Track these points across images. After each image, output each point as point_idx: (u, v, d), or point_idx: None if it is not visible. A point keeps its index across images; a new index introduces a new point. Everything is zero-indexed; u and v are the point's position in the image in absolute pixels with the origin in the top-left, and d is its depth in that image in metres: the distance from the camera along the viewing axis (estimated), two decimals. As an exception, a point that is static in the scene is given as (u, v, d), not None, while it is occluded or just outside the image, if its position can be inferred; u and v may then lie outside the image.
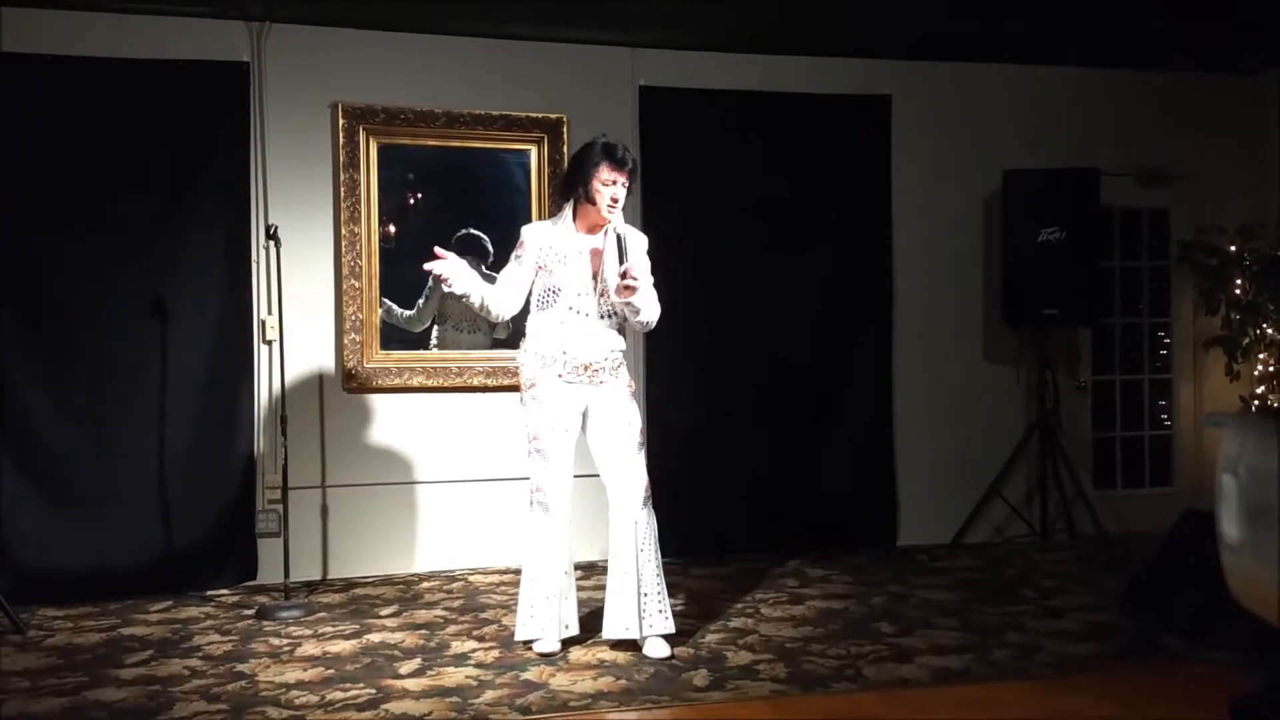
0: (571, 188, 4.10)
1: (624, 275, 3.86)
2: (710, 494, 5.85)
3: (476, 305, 4.08)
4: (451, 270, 3.95)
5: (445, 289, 3.99)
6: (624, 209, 4.07)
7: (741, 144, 5.98)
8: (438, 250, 3.97)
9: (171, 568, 5.17)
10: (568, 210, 4.13)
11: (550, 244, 4.08)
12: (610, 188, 3.99)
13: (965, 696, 3.61)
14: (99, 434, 5.15)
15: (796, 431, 6.05)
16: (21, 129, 5.07)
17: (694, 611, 4.69)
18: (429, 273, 3.97)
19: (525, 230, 4.18)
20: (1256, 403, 6.31)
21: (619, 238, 3.95)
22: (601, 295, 4.05)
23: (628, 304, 3.96)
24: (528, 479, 4.13)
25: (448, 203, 5.75)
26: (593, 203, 4.02)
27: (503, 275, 4.16)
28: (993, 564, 5.70)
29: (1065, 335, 6.45)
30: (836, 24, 5.79)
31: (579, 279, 4.04)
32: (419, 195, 5.73)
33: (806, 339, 6.07)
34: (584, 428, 4.11)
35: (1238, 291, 6.38)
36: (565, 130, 5.74)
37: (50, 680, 3.84)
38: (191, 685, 3.75)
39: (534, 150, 5.77)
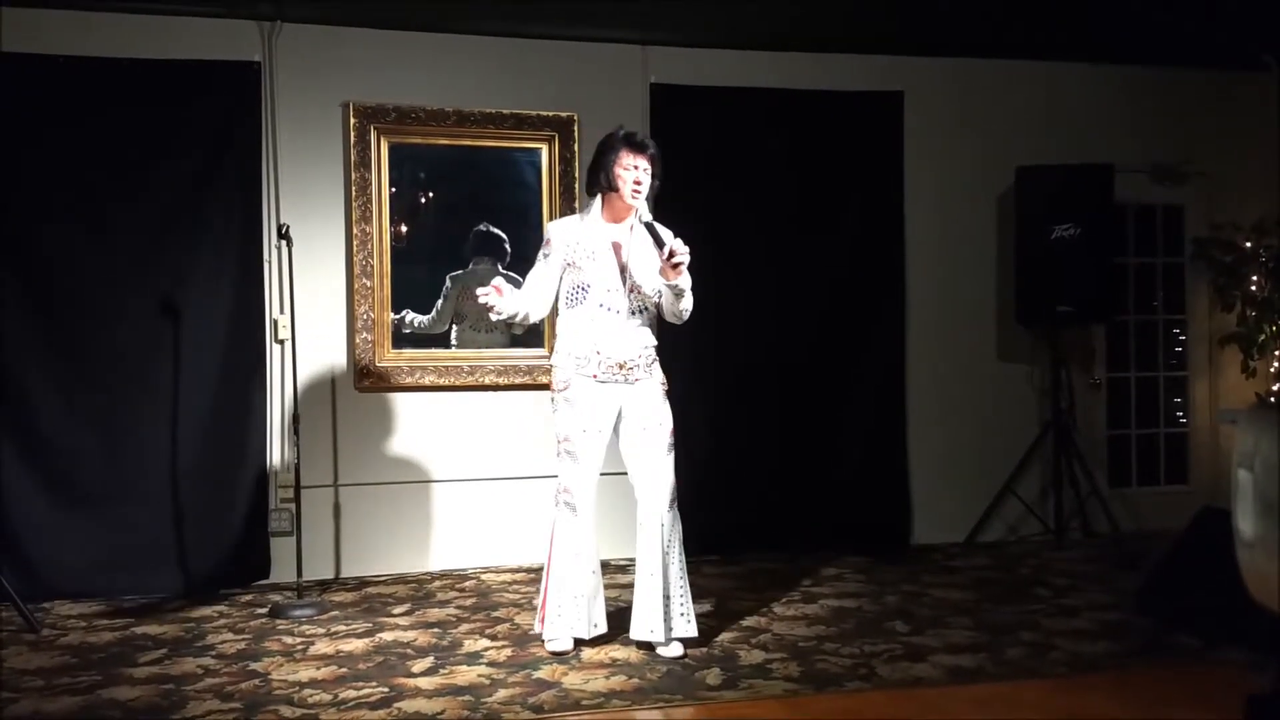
0: (595, 179, 4.08)
1: (670, 256, 3.81)
2: (723, 493, 5.83)
3: (518, 319, 4.05)
4: (500, 302, 3.91)
5: (494, 318, 3.97)
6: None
7: (753, 141, 5.96)
8: (496, 284, 3.91)
9: (184, 566, 5.18)
10: (595, 204, 4.09)
11: (577, 239, 4.04)
12: (632, 172, 3.96)
13: (979, 695, 3.60)
14: (112, 433, 5.16)
15: (809, 430, 6.03)
16: (32, 130, 5.08)
17: (707, 610, 4.68)
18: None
19: (551, 227, 4.15)
20: (1273, 400, 6.27)
21: (648, 225, 3.91)
22: (631, 291, 4.01)
23: (673, 286, 3.90)
24: (555, 477, 4.10)
25: (459, 202, 5.76)
26: (616, 190, 3.99)
27: (531, 276, 4.12)
28: (1007, 562, 5.68)
29: (1079, 332, 6.41)
30: (848, 21, 5.78)
31: (608, 274, 4.01)
32: (430, 194, 5.73)
33: (818, 337, 6.04)
34: (615, 427, 4.08)
35: (1253, 288, 6.35)
36: (576, 128, 5.74)
37: (64, 679, 3.85)
38: (205, 684, 3.76)
39: (545, 149, 5.76)
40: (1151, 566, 4.81)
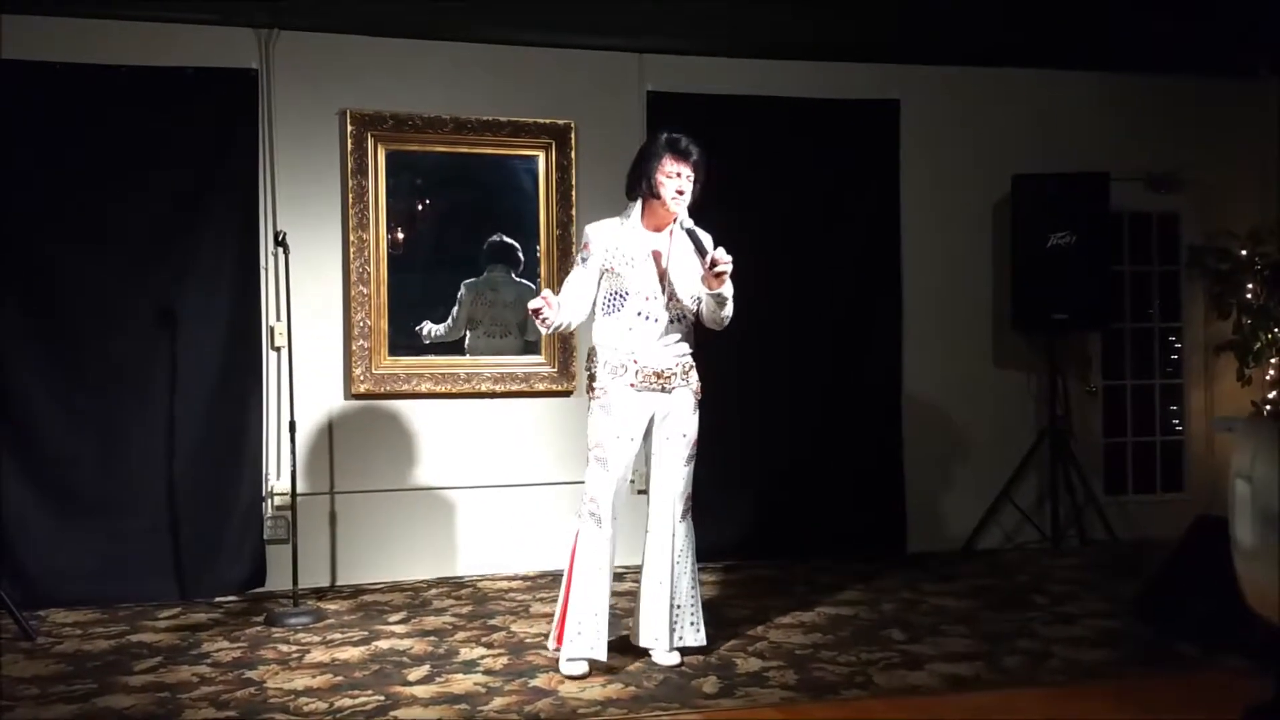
0: (635, 184, 4.00)
1: (713, 264, 3.77)
2: (719, 501, 5.79)
3: (563, 328, 4.00)
4: (551, 312, 3.84)
5: (544, 329, 3.91)
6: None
7: (750, 150, 5.96)
8: (545, 295, 3.85)
9: (180, 574, 5.17)
10: (635, 209, 4.01)
11: (617, 244, 3.96)
12: (674, 180, 3.89)
13: (976, 704, 3.60)
14: (108, 440, 5.15)
15: (806, 437, 6.03)
16: (29, 137, 5.07)
17: (704, 618, 4.66)
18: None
19: (590, 230, 4.04)
20: (1269, 408, 6.28)
21: (690, 231, 3.85)
22: (670, 299, 3.96)
23: (716, 295, 3.86)
24: (572, 485, 4.05)
25: (456, 209, 5.77)
26: (657, 197, 3.91)
27: (570, 281, 4.04)
28: (1004, 570, 5.68)
29: (1076, 340, 6.42)
30: (844, 29, 5.79)
31: (647, 282, 3.94)
32: (427, 201, 5.74)
33: (815, 344, 6.04)
34: (645, 434, 4.02)
35: (1249, 296, 6.35)
36: (573, 136, 5.74)
37: (60, 687, 3.84)
38: (200, 692, 3.76)
39: (542, 156, 5.76)
40: (1149, 575, 4.81)
